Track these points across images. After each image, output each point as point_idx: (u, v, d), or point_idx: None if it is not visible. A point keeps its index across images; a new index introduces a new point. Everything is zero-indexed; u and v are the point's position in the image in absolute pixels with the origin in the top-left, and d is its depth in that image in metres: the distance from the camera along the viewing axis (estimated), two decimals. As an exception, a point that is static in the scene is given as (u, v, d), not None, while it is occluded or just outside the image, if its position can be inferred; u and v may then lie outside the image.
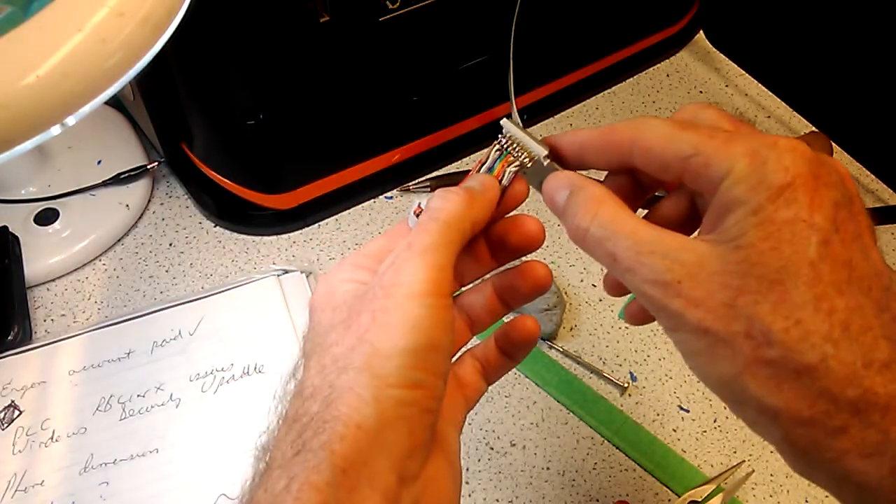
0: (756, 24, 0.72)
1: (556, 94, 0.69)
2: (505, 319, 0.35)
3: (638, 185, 0.32)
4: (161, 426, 0.48)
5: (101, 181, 0.58)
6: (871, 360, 0.23)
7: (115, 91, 0.33)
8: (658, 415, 0.52)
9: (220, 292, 0.54)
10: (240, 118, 0.52)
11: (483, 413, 0.51)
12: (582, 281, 0.58)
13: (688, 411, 0.52)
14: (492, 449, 0.50)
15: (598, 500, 0.48)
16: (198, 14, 0.37)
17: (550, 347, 0.55)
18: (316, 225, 0.61)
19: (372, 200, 0.62)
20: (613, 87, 0.73)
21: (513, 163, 0.32)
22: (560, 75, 0.69)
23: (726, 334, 0.24)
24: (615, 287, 0.35)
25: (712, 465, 0.50)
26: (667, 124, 0.28)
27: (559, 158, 0.31)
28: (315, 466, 0.24)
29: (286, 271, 0.56)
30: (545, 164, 0.31)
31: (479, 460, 0.49)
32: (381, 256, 0.30)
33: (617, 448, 0.50)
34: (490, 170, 0.32)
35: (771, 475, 0.50)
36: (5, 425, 0.47)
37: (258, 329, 0.52)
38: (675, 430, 0.51)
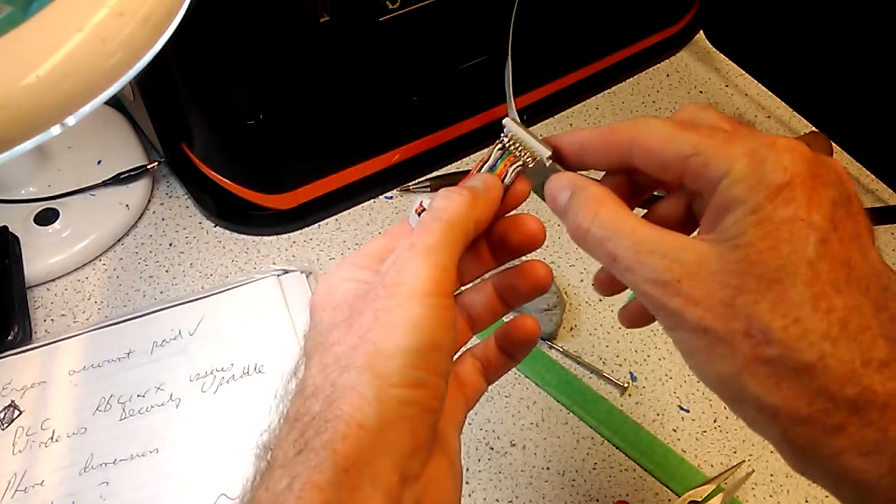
0: (756, 24, 0.72)
1: (556, 94, 0.69)
2: (505, 319, 0.35)
3: (634, 186, 0.32)
4: (161, 426, 0.48)
5: (101, 181, 0.58)
6: (870, 358, 0.23)
7: (115, 91, 0.33)
8: (658, 415, 0.52)
9: (220, 292, 0.54)
10: (240, 118, 0.52)
11: (483, 413, 0.51)
12: (582, 281, 0.58)
13: (688, 411, 0.52)
14: (492, 449, 0.50)
15: (598, 500, 0.48)
16: (198, 14, 0.37)
17: (550, 347, 0.55)
18: (316, 225, 0.61)
19: (372, 200, 0.62)
20: (613, 87, 0.73)
21: (515, 162, 0.32)
22: (560, 75, 0.69)
23: (725, 333, 0.25)
24: (604, 286, 0.35)
25: (712, 465, 0.50)
26: (667, 124, 0.28)
27: (559, 158, 0.31)
28: (317, 466, 0.24)
29: (286, 271, 0.56)
30: (547, 164, 0.31)
31: (479, 460, 0.49)
32: (381, 256, 0.30)
33: (617, 448, 0.50)
34: (491, 169, 0.32)
35: (771, 475, 0.50)
36: (5, 425, 0.47)
37: (258, 329, 0.52)
38: (675, 430, 0.51)
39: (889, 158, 0.65)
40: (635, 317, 0.36)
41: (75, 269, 0.56)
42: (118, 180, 0.59)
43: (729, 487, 0.49)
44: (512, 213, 0.32)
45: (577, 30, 0.66)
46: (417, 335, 0.26)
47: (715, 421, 0.52)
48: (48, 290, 0.55)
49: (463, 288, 0.34)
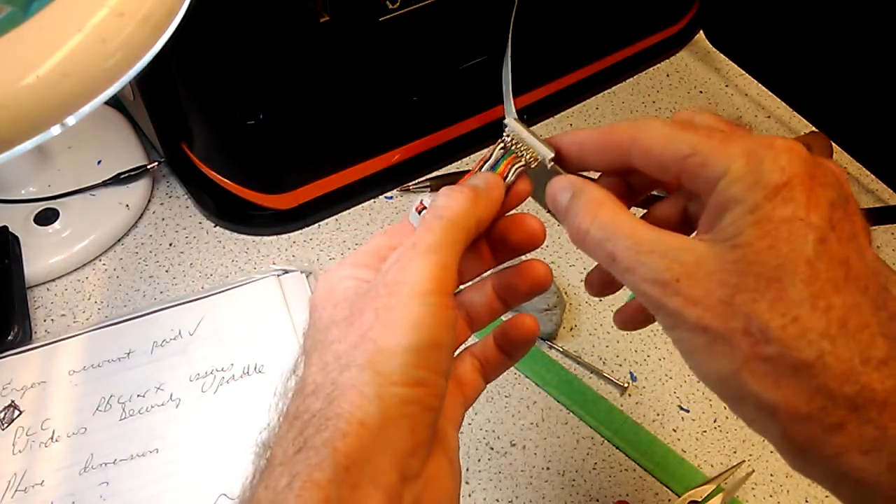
0: (756, 24, 0.72)
1: (556, 94, 0.69)
2: (503, 318, 0.35)
3: (629, 189, 0.32)
4: (161, 426, 0.48)
5: (101, 181, 0.58)
6: (869, 356, 0.23)
7: (115, 91, 0.33)
8: (658, 415, 0.52)
9: (220, 292, 0.54)
10: (240, 118, 0.52)
11: (483, 413, 0.51)
12: (582, 281, 0.58)
13: (688, 411, 0.52)
14: (492, 449, 0.50)
15: (598, 500, 0.48)
16: (198, 14, 0.37)
17: (550, 347, 0.55)
18: (316, 225, 0.61)
19: (372, 200, 0.62)
20: (613, 87, 0.73)
21: (517, 162, 0.32)
22: (560, 75, 0.69)
23: (724, 331, 0.25)
24: (596, 286, 0.35)
25: (712, 465, 0.50)
26: (666, 125, 0.28)
27: (559, 159, 0.31)
28: (317, 464, 0.24)
29: (286, 271, 0.56)
30: (549, 166, 0.31)
31: (479, 460, 0.49)
32: (381, 254, 0.30)
33: (617, 448, 0.50)
34: (493, 168, 0.32)
35: (771, 475, 0.50)
36: (5, 425, 0.47)
37: (258, 329, 0.52)
38: (675, 430, 0.51)
39: (889, 158, 0.65)
40: (629, 319, 0.36)
41: (75, 269, 0.56)
42: (118, 180, 0.59)
43: (729, 487, 0.49)
44: (512, 212, 0.33)
45: (577, 30, 0.66)
46: (418, 334, 0.26)
47: (715, 421, 0.52)
48: (48, 290, 0.55)
49: (462, 286, 0.34)
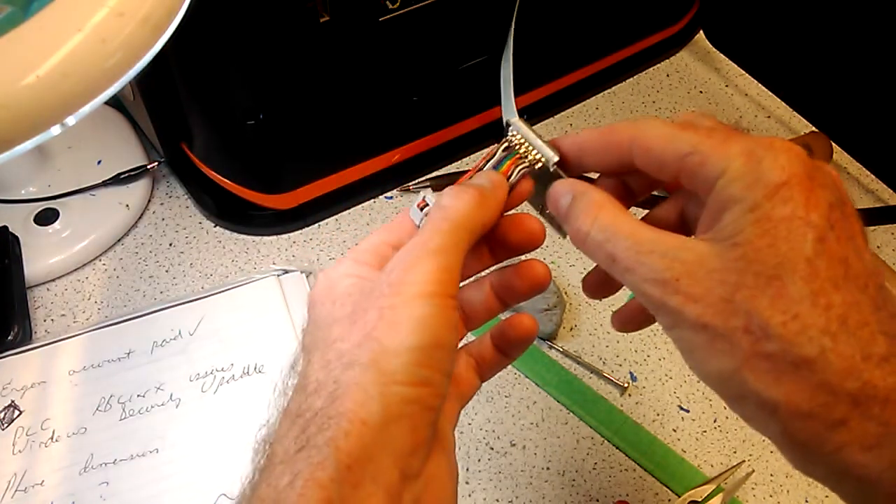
0: (756, 24, 0.72)
1: (556, 94, 0.69)
2: (501, 316, 0.35)
3: (627, 191, 0.32)
4: (161, 426, 0.48)
5: (101, 181, 0.58)
6: (870, 353, 0.24)
7: (115, 91, 0.33)
8: (658, 415, 0.52)
9: (220, 292, 0.54)
10: (240, 118, 0.52)
11: (483, 413, 0.51)
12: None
13: (688, 411, 0.52)
14: (492, 449, 0.50)
15: (598, 500, 0.48)
16: (198, 14, 0.37)
17: (550, 347, 0.55)
18: (316, 225, 0.61)
19: (372, 200, 0.62)
20: (613, 87, 0.73)
21: (521, 163, 0.32)
22: (560, 75, 0.69)
23: (725, 329, 0.25)
24: (593, 288, 0.36)
25: (712, 465, 0.50)
26: (666, 124, 0.28)
27: (562, 164, 0.32)
28: (319, 463, 0.24)
29: (286, 271, 0.56)
30: (552, 169, 0.31)
31: (479, 460, 0.49)
32: (381, 251, 0.30)
33: (617, 448, 0.50)
34: (496, 167, 0.32)
35: (771, 475, 0.50)
36: (5, 425, 0.47)
37: (258, 329, 0.52)
38: (675, 430, 0.51)
39: (889, 158, 0.65)
40: (627, 321, 0.36)
41: (75, 269, 0.56)
42: (118, 180, 0.59)
43: (729, 487, 0.49)
44: (511, 212, 0.33)
45: (577, 30, 0.66)
46: (422, 334, 0.26)
47: (715, 421, 0.52)
48: (48, 290, 0.55)
49: (460, 284, 0.34)
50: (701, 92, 0.74)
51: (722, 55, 0.75)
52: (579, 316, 0.57)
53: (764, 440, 0.50)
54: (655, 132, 0.28)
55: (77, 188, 0.58)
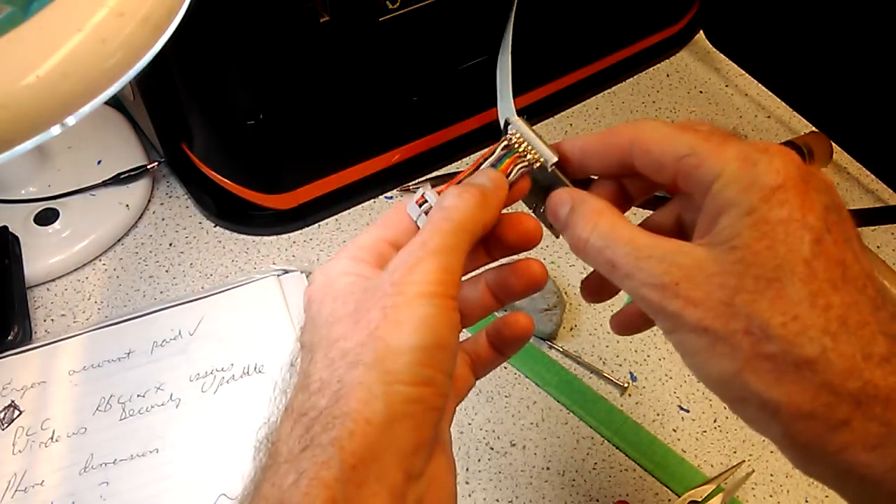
0: (756, 24, 0.72)
1: (556, 94, 0.69)
2: (496, 314, 0.35)
3: (625, 196, 0.33)
4: (161, 426, 0.48)
5: (101, 181, 0.58)
6: (871, 353, 0.24)
7: (115, 91, 0.33)
8: (658, 415, 0.52)
9: (220, 292, 0.54)
10: (240, 118, 0.52)
11: (483, 413, 0.51)
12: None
13: (688, 411, 0.52)
14: (492, 449, 0.50)
15: (598, 500, 0.48)
16: (198, 14, 0.37)
17: (550, 347, 0.55)
18: (316, 225, 0.61)
19: (372, 200, 0.62)
20: (613, 87, 0.73)
21: (520, 162, 0.32)
22: (560, 75, 0.69)
23: (725, 332, 0.25)
24: (591, 292, 0.36)
25: (712, 465, 0.50)
26: (666, 125, 0.29)
27: (561, 165, 0.32)
28: (324, 462, 0.24)
29: (286, 271, 0.56)
30: (550, 170, 0.31)
31: (479, 460, 0.49)
32: (378, 248, 0.30)
33: (617, 448, 0.50)
34: (494, 165, 0.32)
35: (771, 475, 0.50)
36: (5, 425, 0.47)
37: (258, 329, 0.52)
38: (675, 430, 0.51)
39: (889, 158, 0.65)
40: (626, 324, 0.36)
41: (75, 269, 0.56)
42: (118, 180, 0.59)
43: (729, 487, 0.49)
44: (508, 210, 0.32)
45: (577, 30, 0.66)
46: (424, 334, 0.26)
47: (715, 421, 0.52)
48: (48, 290, 0.55)
49: None
50: (701, 92, 0.74)
51: (722, 55, 0.75)
52: (579, 316, 0.57)
53: (764, 440, 0.50)
54: (654, 132, 0.28)
55: (77, 188, 0.58)
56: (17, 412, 0.48)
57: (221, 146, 0.58)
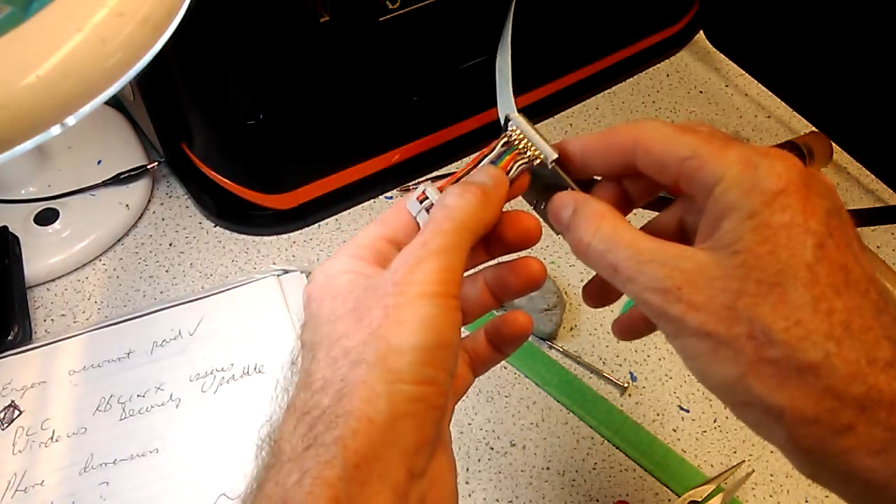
0: (756, 24, 0.72)
1: (556, 94, 0.69)
2: (494, 312, 0.35)
3: (627, 199, 0.33)
4: (161, 426, 0.48)
5: (101, 181, 0.58)
6: (875, 357, 0.24)
7: (115, 91, 0.33)
8: (658, 415, 0.52)
9: (220, 292, 0.54)
10: (240, 118, 0.52)
11: (483, 413, 0.51)
12: (582, 281, 0.58)
13: (688, 411, 0.52)
14: (492, 449, 0.50)
15: (598, 500, 0.48)
16: (198, 14, 0.37)
17: (550, 347, 0.55)
18: (316, 225, 0.61)
19: (372, 200, 0.62)
20: (613, 87, 0.73)
21: (521, 159, 0.31)
22: (560, 75, 0.69)
23: (728, 336, 0.25)
24: (593, 297, 0.36)
25: (712, 465, 0.50)
26: (668, 126, 0.29)
27: (562, 163, 0.32)
28: (328, 461, 0.24)
29: (286, 271, 0.56)
30: (550, 167, 0.31)
31: (479, 460, 0.49)
32: (378, 246, 0.30)
33: (617, 448, 0.50)
34: (494, 162, 0.32)
35: (771, 475, 0.50)
36: (5, 425, 0.47)
37: (258, 329, 0.52)
38: (675, 430, 0.51)
39: (889, 158, 0.65)
40: (628, 329, 0.36)
41: (75, 269, 0.56)
42: (118, 180, 0.59)
43: (729, 487, 0.49)
44: (508, 208, 0.32)
45: (577, 30, 0.66)
46: (426, 333, 0.26)
47: (715, 421, 0.52)
48: (48, 290, 0.55)
49: None
50: (701, 92, 0.74)
51: (722, 55, 0.75)
52: (579, 316, 0.57)
53: (764, 440, 0.50)
54: (656, 133, 0.28)
55: (77, 188, 0.58)
56: (17, 412, 0.48)
57: (221, 146, 0.58)
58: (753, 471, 0.50)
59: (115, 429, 0.48)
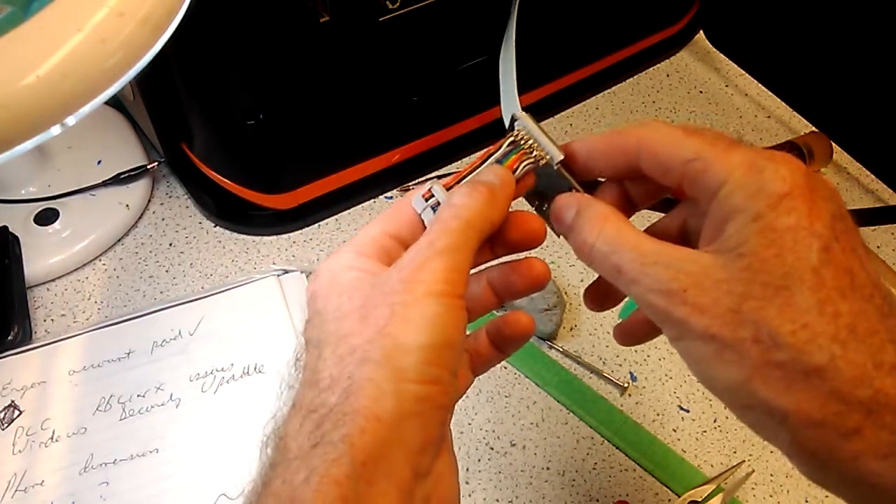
0: (756, 24, 0.72)
1: (556, 94, 0.69)
2: (495, 312, 0.35)
3: (630, 201, 0.33)
4: (161, 426, 0.48)
5: (101, 181, 0.58)
6: (881, 361, 0.24)
7: (115, 91, 0.33)
8: (658, 415, 0.52)
9: (220, 292, 0.54)
10: (240, 118, 0.52)
11: (483, 413, 0.51)
12: (582, 281, 0.58)
13: (688, 411, 0.52)
14: (492, 449, 0.50)
15: (598, 500, 0.48)
16: (198, 14, 0.37)
17: (550, 347, 0.55)
18: (316, 225, 0.61)
19: (372, 200, 0.62)
20: (613, 87, 0.73)
21: (527, 159, 0.31)
22: (560, 75, 0.69)
23: (733, 340, 0.25)
24: (595, 301, 0.35)
25: (712, 465, 0.50)
26: (672, 128, 0.28)
27: (567, 165, 0.31)
28: (335, 459, 0.24)
29: (286, 271, 0.56)
30: (555, 167, 0.31)
31: (479, 460, 0.49)
32: (380, 242, 0.30)
33: (617, 448, 0.50)
34: (500, 161, 0.32)
35: (771, 475, 0.50)
36: (5, 425, 0.47)
37: (258, 329, 0.52)
38: (675, 430, 0.51)
39: (889, 158, 0.65)
40: (630, 333, 0.36)
41: (75, 269, 0.56)
42: (118, 180, 0.59)
43: (729, 487, 0.49)
44: (512, 208, 0.32)
45: (577, 30, 0.66)
46: (432, 332, 0.26)
47: (715, 421, 0.52)
48: (48, 290, 0.55)
49: None
50: (701, 92, 0.74)
51: (722, 55, 0.75)
52: (579, 316, 0.57)
53: (765, 441, 0.50)
54: (661, 135, 0.28)
55: (77, 188, 0.58)
56: (17, 412, 0.48)
57: (221, 146, 0.58)
58: (753, 471, 0.50)
59: (115, 429, 0.48)
